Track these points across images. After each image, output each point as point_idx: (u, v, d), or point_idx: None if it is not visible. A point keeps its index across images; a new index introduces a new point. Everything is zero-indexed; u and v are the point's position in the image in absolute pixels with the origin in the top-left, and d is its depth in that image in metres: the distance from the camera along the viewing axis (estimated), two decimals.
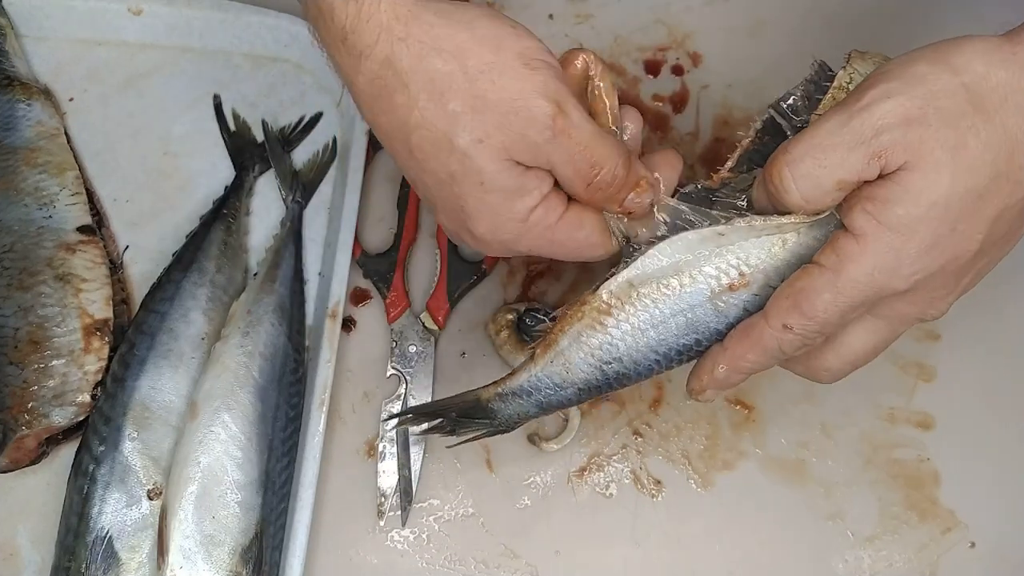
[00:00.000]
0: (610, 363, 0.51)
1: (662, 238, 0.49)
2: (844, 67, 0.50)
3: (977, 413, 0.65)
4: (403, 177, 0.69)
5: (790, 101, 0.52)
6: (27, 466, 0.60)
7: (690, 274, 0.49)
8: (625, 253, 0.51)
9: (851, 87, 0.49)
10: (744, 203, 0.51)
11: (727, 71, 0.74)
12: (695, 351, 0.50)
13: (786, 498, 0.63)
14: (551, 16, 0.76)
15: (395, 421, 0.53)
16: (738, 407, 0.65)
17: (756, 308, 0.49)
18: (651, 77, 0.74)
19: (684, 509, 0.63)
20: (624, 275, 0.49)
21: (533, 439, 0.63)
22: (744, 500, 0.63)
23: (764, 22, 0.76)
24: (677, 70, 0.74)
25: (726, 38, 0.75)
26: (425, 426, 0.54)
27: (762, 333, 0.47)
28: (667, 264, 0.49)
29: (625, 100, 0.72)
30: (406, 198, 0.69)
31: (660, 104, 0.73)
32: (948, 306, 0.48)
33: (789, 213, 0.47)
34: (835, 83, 0.49)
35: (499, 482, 0.63)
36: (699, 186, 0.52)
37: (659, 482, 0.63)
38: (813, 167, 0.43)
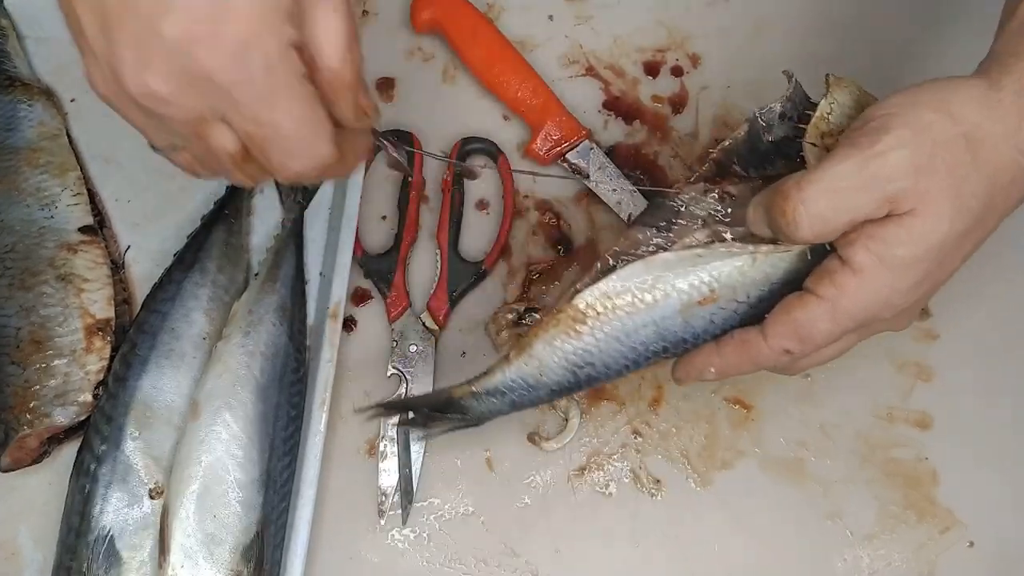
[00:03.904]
0: (583, 367, 0.53)
1: (641, 255, 0.52)
2: (825, 96, 0.52)
3: (975, 413, 0.66)
4: (403, 177, 0.70)
5: (768, 114, 0.55)
6: (29, 465, 0.60)
7: (664, 290, 0.52)
8: (603, 264, 0.53)
9: (831, 117, 0.52)
10: (704, 213, 0.54)
11: (726, 73, 0.74)
12: (662, 355, 0.54)
13: (785, 497, 0.63)
14: (551, 17, 0.76)
15: (367, 414, 0.56)
16: (737, 406, 0.65)
17: (721, 320, 0.53)
18: (650, 78, 0.74)
19: (683, 508, 0.63)
20: (602, 287, 0.52)
21: (533, 438, 0.64)
22: (743, 499, 0.63)
23: (763, 24, 0.76)
24: (676, 71, 0.75)
25: (725, 40, 0.75)
26: (397, 418, 0.56)
27: (760, 351, 0.50)
28: (645, 279, 0.52)
29: (625, 101, 0.73)
30: (407, 198, 0.69)
31: (659, 105, 0.73)
32: (912, 321, 0.53)
33: (772, 241, 0.51)
34: (818, 113, 0.52)
35: (499, 481, 0.63)
36: (667, 200, 0.55)
37: (658, 481, 0.64)
38: (827, 209, 0.46)
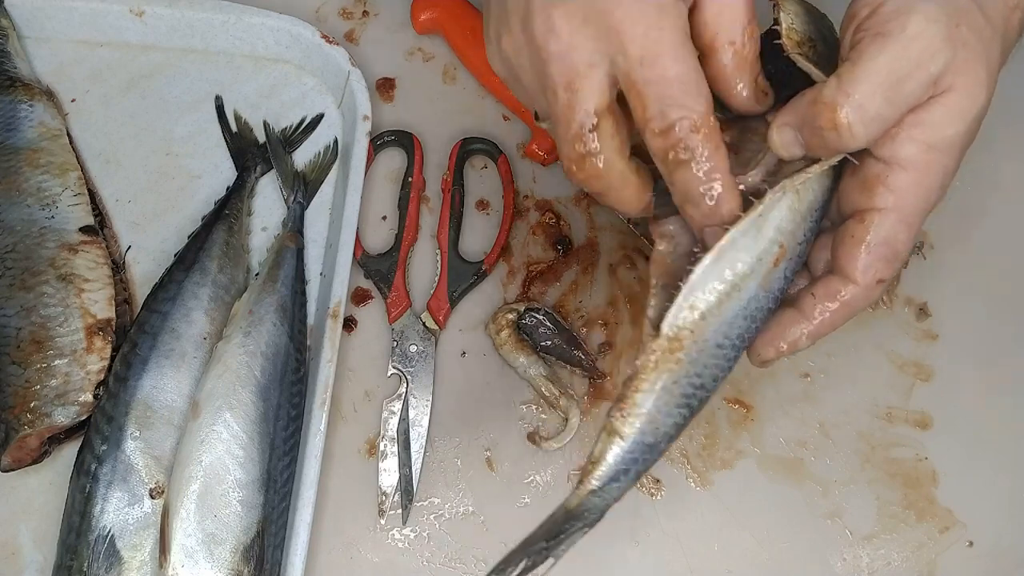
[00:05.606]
0: (695, 392, 0.48)
1: (705, 249, 0.47)
2: (782, 11, 0.49)
3: (975, 412, 0.66)
4: (403, 178, 0.70)
5: None
6: (29, 465, 0.60)
7: (741, 270, 0.46)
8: (661, 280, 0.49)
9: (796, 26, 0.49)
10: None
11: None
12: (754, 336, 0.49)
13: (784, 497, 0.64)
14: None
15: None
16: (737, 406, 0.65)
17: (791, 271, 0.48)
18: None
19: (683, 508, 0.63)
20: (681, 302, 0.46)
21: (533, 438, 0.64)
22: (743, 499, 0.63)
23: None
24: None
25: None
26: (521, 567, 0.48)
27: (853, 296, 0.47)
28: (720, 270, 0.46)
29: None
30: (407, 198, 0.69)
31: None
32: None
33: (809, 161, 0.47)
34: (784, 27, 0.48)
35: (499, 481, 0.63)
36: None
37: (658, 481, 0.64)
38: (883, 105, 0.43)
